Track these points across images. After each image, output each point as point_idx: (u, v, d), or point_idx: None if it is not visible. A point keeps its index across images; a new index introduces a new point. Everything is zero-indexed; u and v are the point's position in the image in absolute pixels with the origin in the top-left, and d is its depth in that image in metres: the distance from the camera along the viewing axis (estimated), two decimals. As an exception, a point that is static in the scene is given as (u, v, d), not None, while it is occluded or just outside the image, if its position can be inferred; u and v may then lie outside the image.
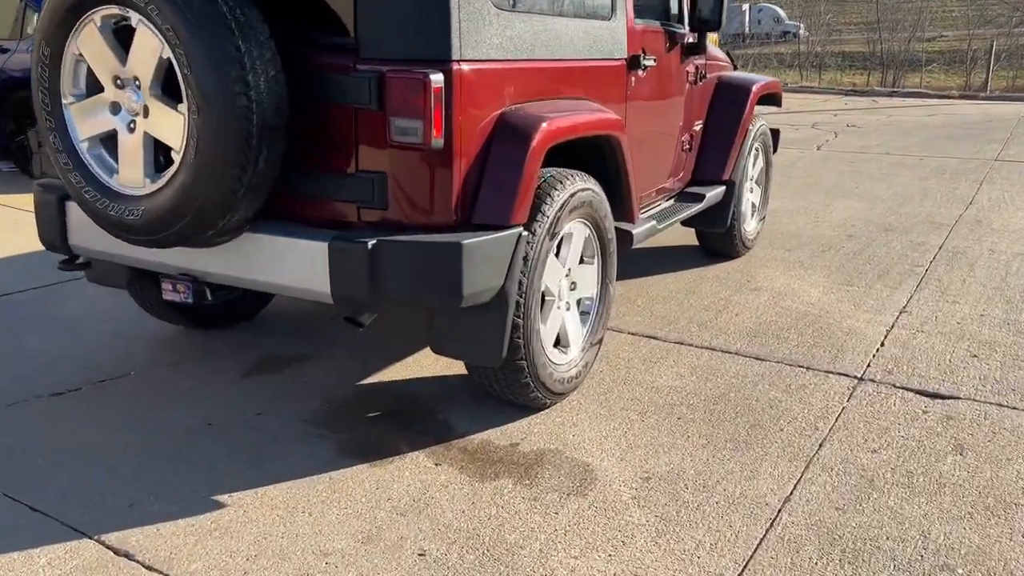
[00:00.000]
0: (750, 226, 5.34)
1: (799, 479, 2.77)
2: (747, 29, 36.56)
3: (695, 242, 5.35)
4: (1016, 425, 3.13)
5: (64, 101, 2.75)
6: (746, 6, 36.96)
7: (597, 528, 2.51)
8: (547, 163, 3.00)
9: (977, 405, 3.30)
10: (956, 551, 2.41)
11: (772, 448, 2.97)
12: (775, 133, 5.59)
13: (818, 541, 2.45)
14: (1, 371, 3.56)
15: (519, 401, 3.14)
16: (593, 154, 3.39)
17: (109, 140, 2.74)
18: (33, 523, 2.51)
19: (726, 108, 4.83)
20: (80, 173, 2.75)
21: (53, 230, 3.21)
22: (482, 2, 2.68)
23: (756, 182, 5.40)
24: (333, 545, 2.41)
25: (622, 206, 3.56)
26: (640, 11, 3.76)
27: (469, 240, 2.59)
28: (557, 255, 3.18)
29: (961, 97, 17.60)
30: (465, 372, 3.23)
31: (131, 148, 2.67)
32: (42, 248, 3.39)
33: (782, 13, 38.34)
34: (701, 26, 4.26)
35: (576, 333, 3.34)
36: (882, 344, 3.92)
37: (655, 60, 3.84)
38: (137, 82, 2.60)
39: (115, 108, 2.68)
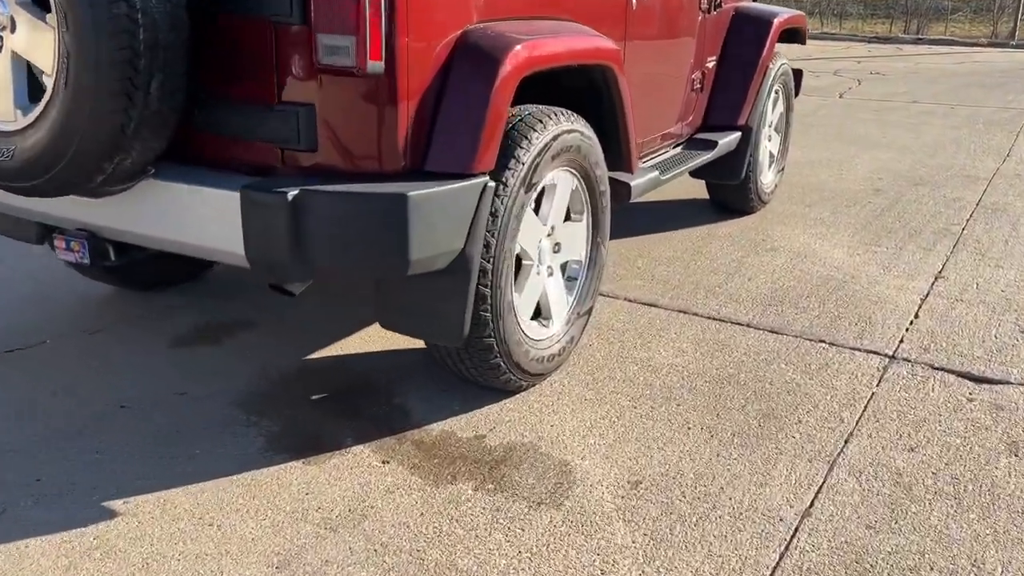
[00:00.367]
0: (767, 178, 4.78)
1: (821, 486, 2.28)
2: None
3: (705, 196, 4.80)
4: (1081, 419, 2.63)
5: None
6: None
7: (571, 551, 2.03)
8: (524, 99, 2.47)
9: (1032, 393, 2.79)
10: (1019, 589, 1.93)
11: (788, 444, 2.48)
12: (797, 74, 4.99)
13: (845, 572, 1.97)
14: (-101, 337, 3.10)
15: (490, 384, 2.65)
16: (584, 92, 2.85)
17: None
18: None
19: (743, 43, 4.24)
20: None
21: None
22: None
23: (775, 129, 4.83)
24: (238, 572, 1.94)
25: (618, 153, 3.02)
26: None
27: (418, 191, 2.07)
28: (537, 211, 2.66)
29: (989, 45, 16.75)
30: (429, 346, 2.74)
31: (-3, 71, 2.15)
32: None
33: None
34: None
35: (560, 303, 2.84)
36: (916, 315, 3.40)
37: (661, -19, 3.27)
38: (2, -12, 2.07)
39: (-23, 22, 2.15)
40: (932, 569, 1.98)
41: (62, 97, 1.99)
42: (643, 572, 1.96)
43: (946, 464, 2.40)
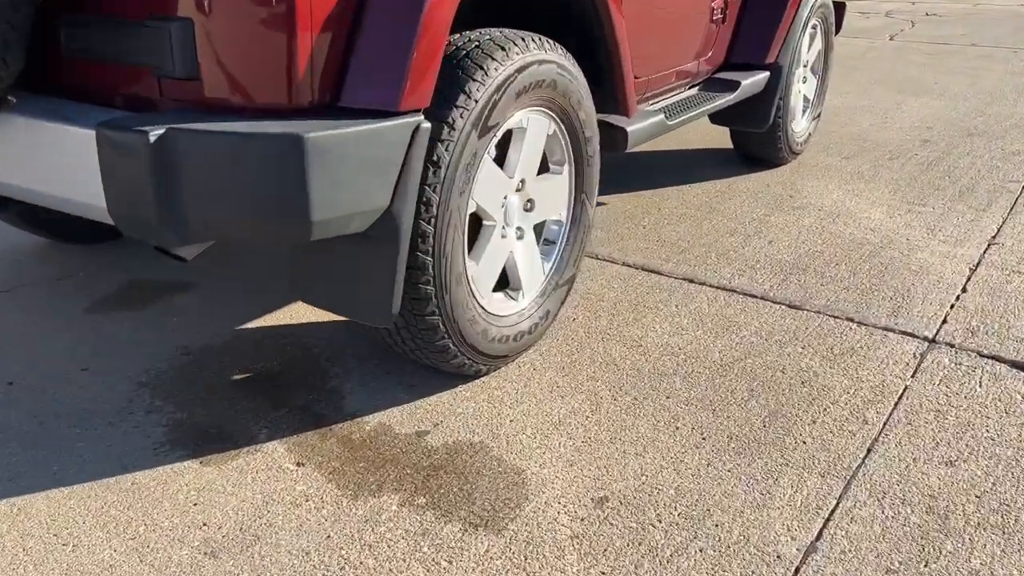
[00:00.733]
0: (800, 126, 4.23)
1: (832, 511, 1.83)
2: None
3: (729, 145, 4.27)
4: None
5: None
6: None
7: (505, 594, 1.61)
8: (480, 22, 2.00)
9: (1104, 392, 2.29)
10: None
11: (796, 453, 2.02)
12: (839, 8, 4.39)
13: (856, 637, 1.52)
14: None
15: (440, 368, 2.22)
16: (571, 19, 2.36)
17: None
18: None
19: (775, -34, 3.67)
20: None
21: None
22: None
23: (811, 69, 4.25)
24: (82, 611, 1.55)
25: (611, 91, 2.53)
26: None
27: (319, 132, 1.60)
28: (501, 161, 2.19)
29: (1058, -14, 15.60)
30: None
31: None
32: None
33: None
34: None
35: (533, 272, 2.38)
36: (964, 289, 2.88)
37: None
38: None
39: None
40: (970, 634, 1.53)
41: None
42: (593, 627, 1.53)
43: (993, 484, 1.92)
